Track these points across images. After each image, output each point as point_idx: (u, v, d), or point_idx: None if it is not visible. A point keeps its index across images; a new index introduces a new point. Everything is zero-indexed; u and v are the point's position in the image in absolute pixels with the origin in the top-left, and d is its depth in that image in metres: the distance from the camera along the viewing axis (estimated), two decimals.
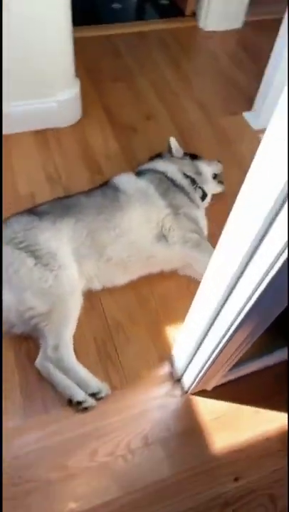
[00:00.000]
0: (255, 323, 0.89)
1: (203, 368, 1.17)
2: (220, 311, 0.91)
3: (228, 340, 0.95)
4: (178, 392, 1.45)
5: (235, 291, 0.83)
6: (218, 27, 2.95)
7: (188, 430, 1.39)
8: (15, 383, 1.41)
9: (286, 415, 1.43)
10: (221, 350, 1.02)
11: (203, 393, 1.44)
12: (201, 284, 1.05)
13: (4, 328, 1.43)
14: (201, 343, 1.11)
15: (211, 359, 1.08)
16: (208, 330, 1.02)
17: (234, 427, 1.41)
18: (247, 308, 0.80)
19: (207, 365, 1.14)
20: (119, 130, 2.26)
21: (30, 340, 1.48)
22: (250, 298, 0.78)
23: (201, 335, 1.07)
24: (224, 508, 1.28)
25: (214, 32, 2.96)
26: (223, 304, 0.88)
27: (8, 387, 1.40)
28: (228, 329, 0.91)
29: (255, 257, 0.74)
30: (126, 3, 3.15)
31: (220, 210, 1.98)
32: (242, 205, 0.76)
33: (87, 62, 2.55)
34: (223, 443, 1.38)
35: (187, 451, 1.35)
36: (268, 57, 2.75)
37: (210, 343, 1.04)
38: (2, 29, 1.69)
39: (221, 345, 0.99)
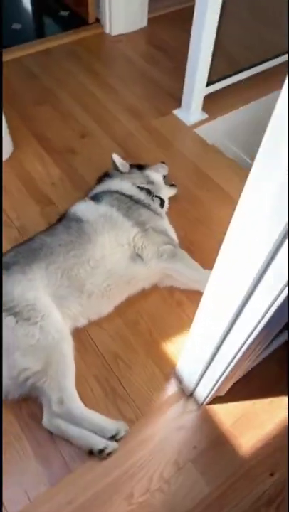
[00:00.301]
0: (275, 324, 0.88)
1: (219, 379, 1.16)
2: (235, 321, 0.90)
3: (247, 349, 0.94)
4: (193, 406, 1.44)
5: (253, 298, 0.81)
6: (124, 29, 2.93)
7: (213, 441, 1.38)
8: (26, 450, 1.31)
9: None
10: (239, 360, 1.01)
11: (217, 400, 1.44)
12: (204, 296, 1.02)
13: None
14: (214, 356, 1.09)
15: (229, 369, 1.07)
16: (222, 342, 1.00)
17: (255, 423, 1.43)
18: (268, 316, 0.79)
19: (224, 376, 1.13)
20: (56, 155, 2.17)
21: (29, 401, 1.38)
22: (272, 304, 0.77)
23: (214, 347, 1.05)
24: (269, 505, 1.29)
25: (122, 35, 2.94)
26: (239, 313, 0.87)
27: (21, 456, 1.30)
28: (247, 339, 0.90)
29: (274, 263, 0.72)
30: (25, 22, 3.03)
31: (178, 211, 2.01)
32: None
33: (4, 90, 2.42)
34: (249, 443, 1.38)
35: (219, 463, 1.34)
36: (179, 50, 2.80)
37: (226, 354, 1.02)
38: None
39: (239, 355, 0.98)
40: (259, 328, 0.83)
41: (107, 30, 2.92)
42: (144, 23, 3.00)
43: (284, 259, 0.69)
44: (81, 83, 2.57)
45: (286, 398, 1.48)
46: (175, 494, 1.27)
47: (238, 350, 0.96)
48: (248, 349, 0.95)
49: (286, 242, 0.67)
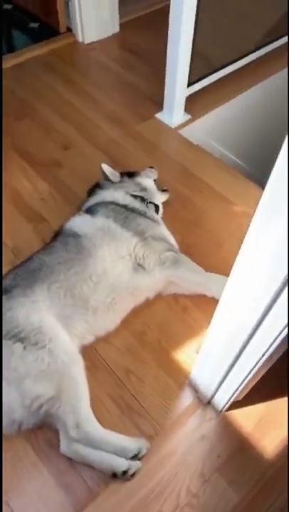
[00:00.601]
0: None
1: (240, 386, 1.13)
2: (257, 328, 0.87)
3: (269, 356, 0.92)
4: (212, 414, 1.41)
5: (278, 302, 0.78)
6: (96, 37, 2.90)
7: (237, 448, 1.35)
8: (47, 479, 1.26)
9: None
10: (262, 365, 0.98)
11: (234, 405, 1.41)
12: (221, 303, 0.99)
13: (12, 429, 1.27)
14: (234, 364, 1.06)
15: (251, 375, 1.04)
16: (243, 349, 0.97)
17: (276, 423, 1.40)
18: None
19: (246, 382, 1.10)
20: (42, 169, 2.12)
21: (44, 428, 1.33)
22: None
23: (234, 355, 1.02)
24: None
25: (95, 42, 2.90)
26: (262, 320, 0.84)
27: (41, 486, 1.24)
28: (272, 344, 0.87)
29: None
30: None
31: (172, 215, 1.98)
32: None
33: None
34: (272, 444, 1.36)
35: (245, 469, 1.31)
36: (154, 52, 2.78)
37: (249, 361, 0.99)
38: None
39: (260, 363, 0.95)
40: (285, 331, 0.80)
41: (80, 39, 2.88)
42: (116, 29, 2.98)
43: None
44: (59, 94, 2.53)
45: None
46: (205, 507, 1.24)
47: (261, 357, 0.93)
48: (271, 355, 0.92)
49: None
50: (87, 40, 2.88)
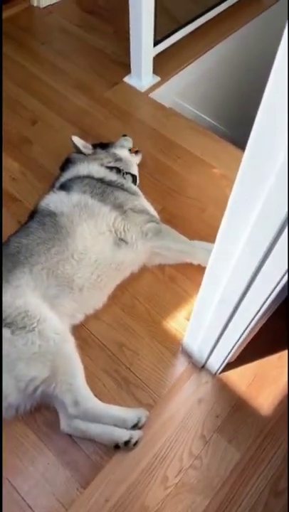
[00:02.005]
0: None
1: (233, 348, 1.14)
2: (246, 292, 0.86)
3: (260, 317, 0.91)
4: (207, 378, 1.43)
5: (268, 262, 0.76)
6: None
7: (234, 407, 1.38)
8: (51, 460, 1.27)
9: None
10: (253, 326, 0.98)
11: (228, 367, 1.43)
12: (209, 268, 0.97)
13: (10, 414, 1.26)
14: (226, 327, 1.06)
15: (243, 337, 1.05)
16: (234, 313, 0.97)
17: (269, 381, 1.44)
18: (284, 281, 0.75)
19: (238, 344, 1.10)
20: (11, 147, 2.02)
21: (42, 409, 1.33)
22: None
23: (225, 319, 1.02)
24: None
25: (51, 5, 2.71)
26: (251, 282, 0.82)
27: (46, 467, 1.25)
28: (260, 308, 0.86)
29: None
30: None
31: (151, 185, 1.93)
32: None
33: None
34: (269, 401, 1.40)
35: (244, 426, 1.35)
36: (115, 11, 2.63)
37: (241, 323, 0.99)
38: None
39: (252, 324, 0.95)
40: (276, 291, 0.79)
41: (35, 3, 2.69)
42: None
43: None
44: (20, 65, 2.38)
45: None
46: (208, 467, 1.27)
47: (252, 319, 0.93)
48: (261, 316, 0.92)
49: None
50: (43, 4, 2.69)
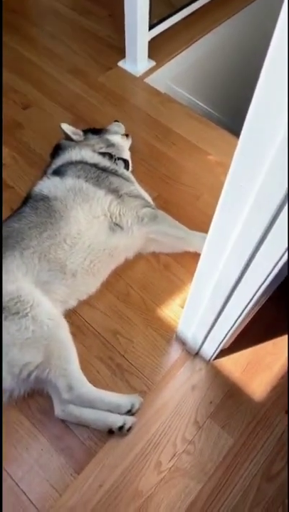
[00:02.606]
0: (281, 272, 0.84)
1: (226, 335, 1.14)
2: (241, 278, 0.85)
3: (254, 304, 0.91)
4: (201, 365, 1.43)
5: (262, 249, 0.75)
6: None
7: (227, 393, 1.39)
8: (44, 446, 1.27)
9: None
10: (246, 314, 0.98)
11: (222, 353, 1.44)
12: (204, 254, 0.96)
13: (4, 399, 1.26)
14: (219, 315, 1.06)
15: (236, 325, 1.04)
16: (228, 300, 0.97)
17: (262, 367, 1.44)
18: (277, 268, 0.75)
19: (231, 332, 1.10)
20: (2, 132, 1.98)
21: (36, 396, 1.33)
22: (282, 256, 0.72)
23: (219, 307, 1.02)
24: None
25: None
26: (246, 267, 0.82)
27: (40, 453, 1.26)
28: (254, 295, 0.86)
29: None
30: None
31: (146, 171, 1.91)
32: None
33: None
34: (261, 387, 1.40)
35: (237, 412, 1.36)
36: None
37: (233, 311, 0.99)
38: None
39: (246, 311, 0.95)
40: (270, 278, 0.79)
41: None
42: None
43: None
44: (12, 49, 2.32)
45: (284, 337, 1.49)
46: (201, 452, 1.28)
47: (246, 305, 0.92)
48: (255, 303, 0.91)
49: None
50: None
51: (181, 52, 2.33)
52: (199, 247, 1.51)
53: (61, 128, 1.66)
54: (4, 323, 1.21)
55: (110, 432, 1.26)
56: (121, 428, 1.25)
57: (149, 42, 2.17)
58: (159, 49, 2.27)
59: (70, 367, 1.26)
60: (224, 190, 0.76)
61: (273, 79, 0.55)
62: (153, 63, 2.24)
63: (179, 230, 1.54)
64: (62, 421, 1.29)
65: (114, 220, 1.45)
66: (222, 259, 0.87)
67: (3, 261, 1.30)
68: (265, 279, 0.80)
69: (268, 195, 0.68)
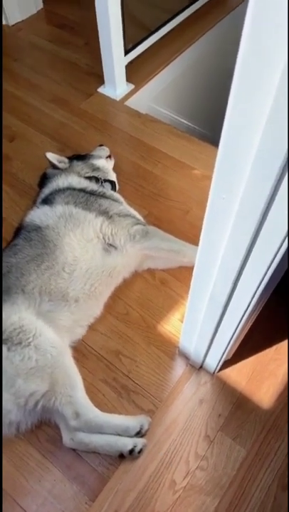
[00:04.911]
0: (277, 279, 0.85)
1: (228, 345, 1.15)
2: (234, 288, 0.87)
3: (251, 313, 0.92)
4: (206, 378, 1.43)
5: (252, 256, 0.76)
6: (21, 16, 2.73)
7: (235, 404, 1.38)
8: (56, 476, 1.26)
9: None
10: (245, 322, 0.99)
11: (226, 365, 1.44)
12: (197, 266, 0.97)
13: (12, 431, 1.25)
14: (218, 326, 1.07)
15: (236, 334, 1.05)
16: (225, 311, 0.98)
17: (267, 374, 1.44)
18: (268, 275, 0.76)
19: (232, 342, 1.11)
20: None
21: (43, 425, 1.32)
22: (271, 262, 0.73)
23: (217, 318, 1.03)
24: None
25: (20, 22, 2.74)
26: (238, 277, 0.83)
27: (53, 484, 1.24)
28: (249, 303, 0.87)
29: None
30: None
31: (134, 191, 1.94)
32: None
33: None
34: (269, 394, 1.40)
35: (247, 423, 1.35)
36: (84, 24, 2.66)
37: (231, 321, 1.00)
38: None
39: (243, 320, 0.96)
40: (262, 286, 0.80)
41: (4, 21, 2.71)
42: (40, 5, 2.81)
43: (284, 204, 0.65)
44: None
45: (285, 342, 1.50)
46: (215, 467, 1.27)
47: (243, 314, 0.93)
48: (252, 310, 0.93)
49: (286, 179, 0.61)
50: (12, 22, 2.71)
51: (158, 72, 2.40)
52: (194, 257, 1.53)
53: (46, 157, 1.70)
54: (8, 354, 1.21)
55: (121, 456, 1.25)
56: (132, 451, 1.24)
57: (127, 66, 2.23)
58: (137, 72, 2.34)
59: (75, 394, 1.25)
60: (209, 203, 0.78)
61: (243, 90, 0.57)
62: (132, 86, 2.30)
63: (171, 242, 1.57)
64: (73, 449, 1.28)
65: (107, 240, 1.47)
66: (214, 269, 0.89)
67: (9, 297, 1.30)
68: (259, 285, 0.81)
69: (250, 204, 0.70)
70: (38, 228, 1.43)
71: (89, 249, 1.44)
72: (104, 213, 1.49)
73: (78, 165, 1.69)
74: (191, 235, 1.67)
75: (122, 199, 1.70)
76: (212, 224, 0.80)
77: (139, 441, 1.26)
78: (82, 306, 1.40)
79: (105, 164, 1.81)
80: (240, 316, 0.96)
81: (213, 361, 1.34)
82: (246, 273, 0.81)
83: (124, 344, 1.49)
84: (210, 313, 1.05)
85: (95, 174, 1.70)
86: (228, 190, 0.71)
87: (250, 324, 1.16)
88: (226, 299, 0.94)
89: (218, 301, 0.95)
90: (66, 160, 1.72)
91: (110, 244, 1.48)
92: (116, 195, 1.68)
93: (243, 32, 0.53)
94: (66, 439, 1.26)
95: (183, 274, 1.63)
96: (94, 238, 1.45)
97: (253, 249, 0.75)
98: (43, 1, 2.82)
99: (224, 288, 0.89)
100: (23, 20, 2.74)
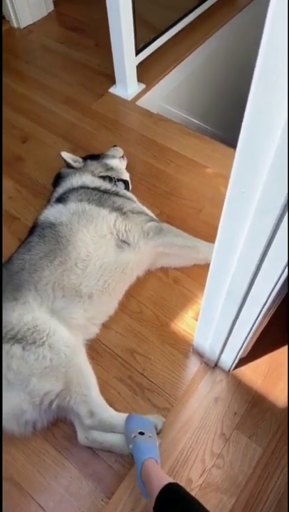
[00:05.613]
0: None
1: (244, 343, 1.14)
2: (252, 282, 0.86)
3: (268, 308, 0.91)
4: (221, 376, 1.42)
5: (270, 252, 0.76)
6: (32, 19, 2.75)
7: (251, 402, 1.38)
8: (73, 473, 1.26)
9: None
10: (261, 319, 0.98)
11: (241, 362, 1.43)
12: (213, 263, 0.97)
13: (28, 430, 1.26)
14: (234, 323, 1.06)
15: (252, 332, 1.05)
16: (242, 306, 0.97)
17: (283, 372, 1.43)
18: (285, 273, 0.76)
19: (248, 339, 1.10)
20: (4, 166, 2.04)
21: (59, 423, 1.33)
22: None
23: (234, 312, 1.02)
24: None
25: (32, 25, 2.76)
26: (255, 274, 0.83)
27: (70, 481, 1.25)
28: (268, 297, 0.87)
29: None
30: None
31: (147, 190, 1.94)
32: None
33: None
34: (284, 392, 1.39)
35: (263, 421, 1.34)
36: (95, 25, 2.68)
37: (248, 317, 0.99)
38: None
39: (260, 316, 0.95)
40: (281, 280, 0.80)
41: (15, 25, 2.74)
42: (51, 7, 2.84)
43: None
44: (6, 85, 2.41)
45: None
46: (231, 465, 1.26)
47: (261, 310, 0.93)
48: (270, 305, 0.92)
49: None
50: (23, 24, 2.74)
51: (169, 72, 2.40)
52: (208, 254, 1.53)
53: (61, 156, 1.71)
54: (23, 354, 1.22)
55: None
56: None
57: (138, 66, 2.24)
58: (148, 71, 2.34)
59: (89, 393, 1.26)
60: (227, 198, 0.78)
61: (265, 85, 0.57)
62: (143, 86, 2.31)
63: (185, 239, 1.56)
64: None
65: (120, 237, 1.47)
66: (232, 265, 0.89)
67: (20, 294, 1.31)
68: (277, 281, 0.81)
69: (270, 198, 0.69)
70: (51, 225, 1.44)
71: (102, 244, 1.44)
72: (118, 210, 1.50)
73: (92, 164, 1.70)
74: (205, 233, 1.66)
75: (135, 198, 1.70)
76: (230, 220, 0.80)
77: None
78: (95, 303, 1.40)
79: (119, 164, 1.82)
80: (258, 312, 0.95)
81: (228, 359, 1.33)
82: (265, 266, 0.80)
83: (139, 342, 1.49)
84: (226, 309, 1.05)
85: (109, 174, 1.71)
86: (248, 184, 0.71)
87: (267, 321, 1.15)
88: (243, 294, 0.93)
89: (236, 296, 0.95)
90: (80, 160, 1.74)
91: (123, 241, 1.48)
92: (129, 194, 1.69)
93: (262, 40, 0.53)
94: (81, 437, 1.27)
95: (196, 272, 1.63)
96: (107, 234, 1.46)
97: (273, 241, 0.74)
98: (54, 3, 2.84)
99: (243, 282, 0.88)
100: (34, 23, 2.77)
